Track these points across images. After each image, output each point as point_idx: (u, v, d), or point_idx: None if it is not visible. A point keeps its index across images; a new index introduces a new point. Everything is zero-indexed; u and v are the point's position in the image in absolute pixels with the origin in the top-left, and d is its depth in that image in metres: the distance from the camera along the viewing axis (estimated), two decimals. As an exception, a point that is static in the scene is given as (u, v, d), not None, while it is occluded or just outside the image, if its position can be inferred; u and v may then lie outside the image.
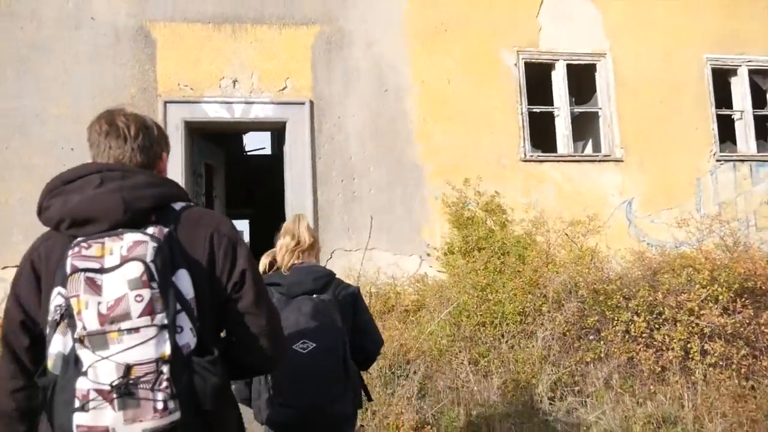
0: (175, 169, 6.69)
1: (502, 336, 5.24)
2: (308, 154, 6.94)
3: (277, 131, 7.12)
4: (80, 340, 1.35)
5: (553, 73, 7.86)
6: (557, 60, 7.75)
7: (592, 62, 7.84)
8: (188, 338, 1.43)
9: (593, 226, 6.69)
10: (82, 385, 1.33)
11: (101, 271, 1.38)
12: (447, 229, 7.12)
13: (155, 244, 1.42)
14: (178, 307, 1.42)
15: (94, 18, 6.80)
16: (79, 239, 1.45)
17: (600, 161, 7.61)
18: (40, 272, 1.55)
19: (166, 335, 1.38)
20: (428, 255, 7.06)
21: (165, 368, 1.36)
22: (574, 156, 7.76)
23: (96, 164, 1.60)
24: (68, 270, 1.38)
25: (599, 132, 7.89)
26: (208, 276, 1.54)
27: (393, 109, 7.25)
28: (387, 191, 7.09)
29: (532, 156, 7.48)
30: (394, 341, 4.97)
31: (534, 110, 7.64)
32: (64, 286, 1.39)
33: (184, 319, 1.44)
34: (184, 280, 1.46)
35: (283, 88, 7.07)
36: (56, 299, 1.40)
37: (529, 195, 7.37)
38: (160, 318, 1.38)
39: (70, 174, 1.58)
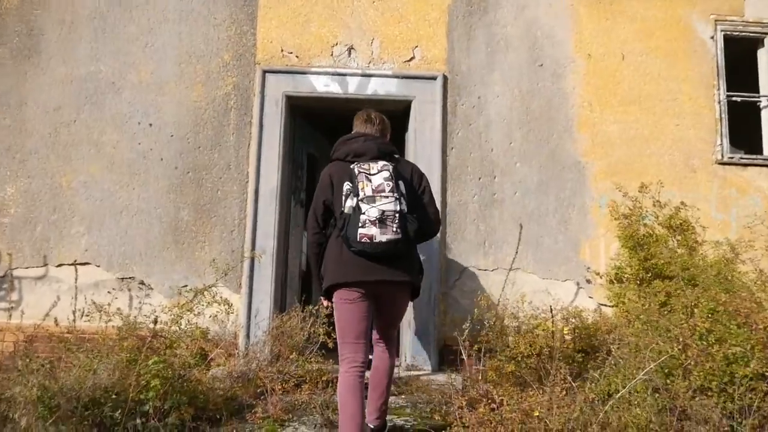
0: (271, 154, 5.33)
1: (740, 413, 3.48)
2: (438, 143, 5.41)
3: (399, 113, 5.62)
4: (362, 200, 3.02)
5: (760, 51, 5.97)
6: (767, 34, 5.86)
7: (815, 37, 5.89)
8: (404, 206, 3.08)
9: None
10: (362, 217, 2.99)
11: (369, 174, 3.09)
12: (615, 249, 5.39)
13: (391, 167, 3.15)
14: (400, 193, 3.11)
15: (186, -33, 5.57)
16: (356, 162, 3.17)
17: (826, 169, 5.64)
18: (333, 177, 3.22)
19: (398, 202, 3.04)
20: (588, 282, 5.35)
21: (397, 215, 3.01)
22: (787, 161, 5.82)
23: (360, 133, 3.41)
24: (356, 172, 3.09)
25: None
26: (410, 185, 3.24)
27: (549, 89, 5.60)
28: (537, 195, 5.45)
29: (732, 158, 5.62)
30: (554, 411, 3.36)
31: (734, 98, 5.77)
32: (350, 181, 3.09)
33: (401, 199, 3.08)
34: (401, 185, 3.13)
35: (410, 59, 5.58)
36: (346, 186, 3.10)
37: (727, 209, 5.52)
38: (396, 195, 3.04)
39: (349, 136, 3.38)
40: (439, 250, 5.27)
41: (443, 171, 5.41)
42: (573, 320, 5.08)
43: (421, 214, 3.25)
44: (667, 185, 5.43)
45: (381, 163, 3.14)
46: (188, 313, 4.25)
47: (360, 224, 2.98)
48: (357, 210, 3.03)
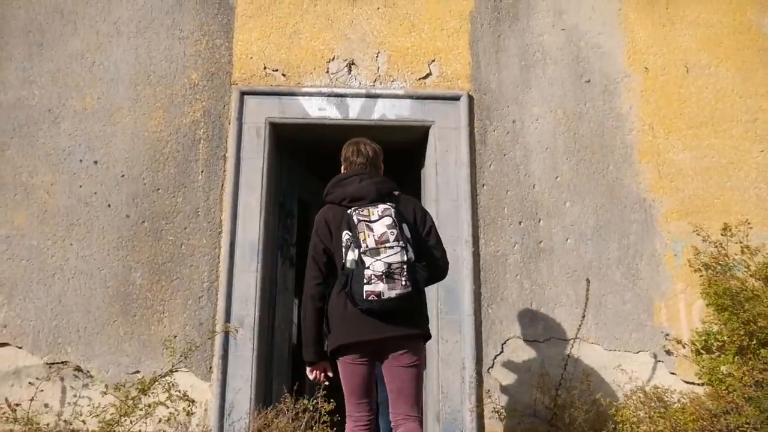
0: (252, 198, 4.12)
1: None
2: (465, 179, 4.24)
3: (415, 142, 4.48)
4: (364, 253, 2.65)
5: None
6: None
7: None
8: (411, 254, 2.72)
9: None
10: (367, 273, 2.63)
11: (370, 221, 2.72)
12: (699, 309, 4.16)
13: (393, 210, 2.76)
14: (405, 240, 2.75)
15: (145, -32, 4.48)
16: (353, 207, 2.79)
17: None
18: (330, 224, 2.85)
19: (404, 252, 2.68)
20: (668, 353, 4.09)
21: (405, 267, 2.66)
22: None
23: (356, 173, 2.97)
24: (355, 220, 2.72)
25: None
26: (414, 227, 2.88)
27: (600, 110, 4.48)
28: (594, 242, 4.25)
29: (833, 190, 4.47)
30: None
31: (825, 118, 4.67)
32: (348, 229, 2.73)
33: (408, 246, 2.72)
34: (405, 229, 2.78)
35: (426, 76, 4.46)
36: (345, 235, 2.74)
37: (834, 255, 4.32)
38: (401, 243, 2.69)
39: (343, 176, 2.97)
40: (472, 316, 4.01)
41: (473, 215, 4.20)
42: (654, 404, 3.82)
43: (428, 258, 2.90)
44: (756, 226, 4.25)
45: (381, 207, 2.77)
46: (126, 417, 2.94)
47: (365, 280, 2.65)
48: (360, 264, 2.67)
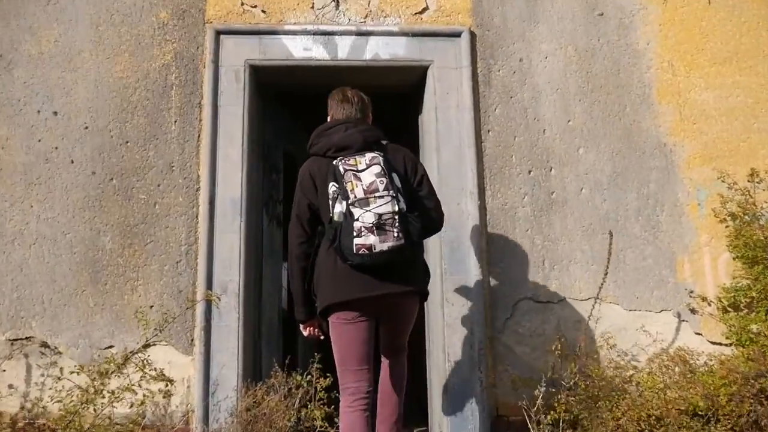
0: (232, 149, 3.69)
1: None
2: (469, 125, 3.82)
3: (412, 85, 4.05)
4: (352, 204, 2.45)
5: None
6: None
7: None
8: (402, 204, 2.52)
9: None
10: (356, 225, 2.43)
11: (357, 171, 2.51)
12: (725, 263, 3.82)
13: (382, 158, 2.57)
14: (396, 190, 2.54)
15: None
16: (339, 157, 2.58)
17: None
18: (315, 177, 2.65)
19: (395, 201, 2.48)
20: (693, 311, 3.76)
21: (396, 218, 2.46)
22: None
23: (340, 121, 2.76)
24: (342, 170, 2.51)
25: None
26: (404, 177, 2.68)
27: (615, 46, 4.06)
28: (611, 192, 3.87)
29: None
30: None
31: None
32: (335, 181, 2.53)
33: (398, 196, 2.52)
34: (395, 179, 2.58)
35: (422, 10, 4.00)
36: (331, 187, 2.54)
37: None
38: (392, 193, 2.48)
39: (327, 125, 2.75)
40: (480, 278, 3.64)
41: (478, 163, 3.80)
42: (680, 368, 3.51)
43: (420, 209, 2.69)
44: (785, 171, 3.88)
45: (369, 155, 2.58)
46: (100, 395, 2.57)
47: (355, 233, 2.45)
48: (349, 216, 2.48)
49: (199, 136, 3.75)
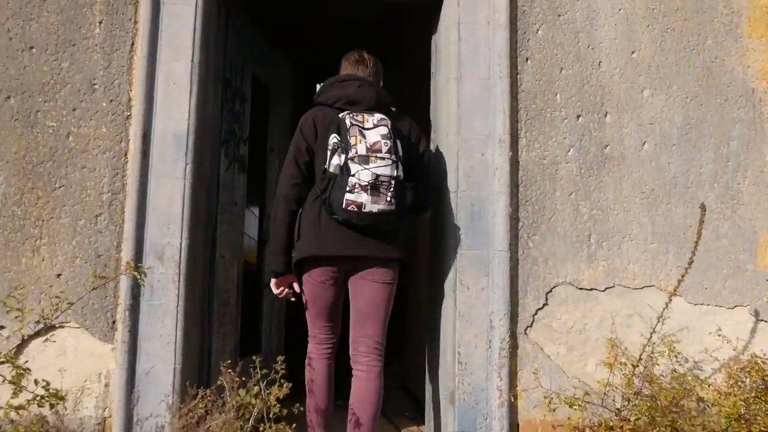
0: (178, 64, 2.69)
1: None
2: (502, 48, 2.86)
3: (422, 6, 3.06)
4: (351, 159, 2.37)
5: None
6: None
7: None
8: (401, 171, 2.44)
9: None
10: (351, 180, 2.36)
11: (364, 128, 2.44)
12: (821, 248, 2.95)
13: (390, 122, 2.49)
14: (398, 156, 2.46)
15: None
16: (346, 111, 2.49)
17: None
18: (317, 124, 2.54)
19: (395, 167, 2.41)
20: (777, 308, 2.91)
21: (393, 182, 2.40)
22: None
23: (354, 76, 2.65)
24: (348, 124, 2.43)
25: None
26: (408, 146, 2.56)
27: (695, -42, 3.07)
28: (682, 149, 2.96)
29: None
30: None
31: None
32: (338, 132, 2.44)
33: (399, 163, 2.43)
34: (399, 146, 2.47)
35: None
36: (332, 138, 2.45)
37: None
38: (394, 158, 2.41)
39: (341, 77, 2.66)
40: (506, 252, 2.74)
41: (512, 101, 2.85)
42: (753, 380, 2.68)
43: (419, 182, 2.56)
44: None
45: (378, 116, 2.50)
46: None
47: (348, 188, 2.37)
48: (345, 170, 2.39)
49: (132, 43, 2.73)
